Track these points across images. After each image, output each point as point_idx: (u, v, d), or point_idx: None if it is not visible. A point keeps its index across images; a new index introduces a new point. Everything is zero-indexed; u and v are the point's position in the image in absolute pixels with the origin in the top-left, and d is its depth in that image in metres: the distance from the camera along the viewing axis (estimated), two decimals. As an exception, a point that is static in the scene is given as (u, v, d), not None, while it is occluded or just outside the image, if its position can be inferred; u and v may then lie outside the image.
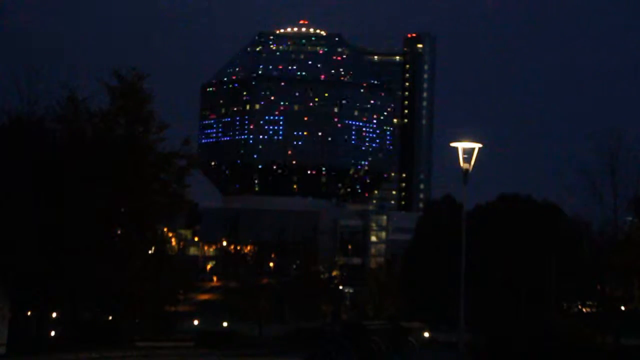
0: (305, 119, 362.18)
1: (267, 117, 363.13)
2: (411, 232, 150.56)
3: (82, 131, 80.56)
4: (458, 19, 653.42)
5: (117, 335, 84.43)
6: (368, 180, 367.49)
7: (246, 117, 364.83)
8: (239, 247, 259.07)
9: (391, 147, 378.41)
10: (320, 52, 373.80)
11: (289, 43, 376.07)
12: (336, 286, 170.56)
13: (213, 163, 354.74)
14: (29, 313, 79.87)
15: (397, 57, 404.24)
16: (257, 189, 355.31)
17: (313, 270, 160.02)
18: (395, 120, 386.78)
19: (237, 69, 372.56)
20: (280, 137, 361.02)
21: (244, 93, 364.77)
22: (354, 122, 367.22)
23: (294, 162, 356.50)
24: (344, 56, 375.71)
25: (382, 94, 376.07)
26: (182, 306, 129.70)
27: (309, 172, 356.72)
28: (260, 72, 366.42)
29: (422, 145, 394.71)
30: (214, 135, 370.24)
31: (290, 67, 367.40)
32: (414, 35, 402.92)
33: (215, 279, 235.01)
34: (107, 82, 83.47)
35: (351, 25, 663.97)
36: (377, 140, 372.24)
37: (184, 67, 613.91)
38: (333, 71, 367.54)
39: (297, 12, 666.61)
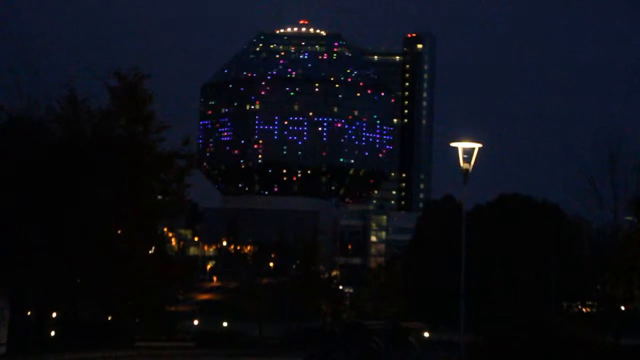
0: (305, 119, 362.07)
1: (267, 117, 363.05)
2: (411, 232, 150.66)
3: (82, 131, 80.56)
4: (458, 19, 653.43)
5: (117, 335, 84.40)
6: (371, 180, 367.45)
7: (246, 117, 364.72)
8: (239, 247, 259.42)
9: (391, 147, 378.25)
10: (320, 52, 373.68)
11: (289, 43, 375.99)
12: (336, 286, 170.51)
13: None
14: (29, 313, 79.84)
15: (397, 57, 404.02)
16: (257, 188, 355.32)
17: (313, 270, 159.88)
18: (395, 120, 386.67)
19: (237, 69, 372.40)
20: (280, 137, 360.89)
21: (244, 93, 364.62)
22: (353, 122, 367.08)
23: (294, 162, 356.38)
24: (344, 56, 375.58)
25: (382, 94, 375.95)
26: (182, 306, 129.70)
27: (309, 172, 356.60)
28: (260, 72, 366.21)
29: (422, 145, 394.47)
30: (214, 135, 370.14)
31: (290, 67, 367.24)
32: (414, 35, 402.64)
33: (215, 279, 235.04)
34: (107, 82, 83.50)
35: (351, 25, 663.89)
36: (377, 140, 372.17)
37: (184, 67, 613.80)
38: (333, 71, 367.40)
39: (297, 12, 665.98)
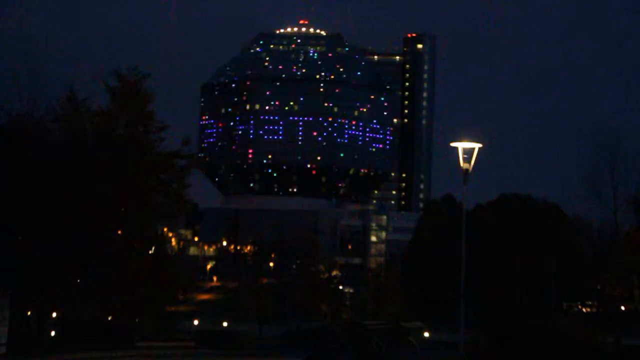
0: (305, 119, 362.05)
1: (266, 117, 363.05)
2: (411, 232, 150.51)
3: (82, 131, 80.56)
4: (458, 19, 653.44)
5: (117, 335, 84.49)
6: (369, 179, 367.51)
7: (246, 117, 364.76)
8: (239, 247, 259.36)
9: (391, 147, 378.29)
10: (320, 52, 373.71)
11: (289, 43, 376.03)
12: (336, 286, 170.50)
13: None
14: (29, 313, 79.86)
15: (397, 57, 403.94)
16: (257, 188, 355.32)
17: (313, 270, 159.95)
18: (395, 120, 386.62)
19: (237, 69, 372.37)
20: (280, 137, 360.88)
21: (244, 93, 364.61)
22: (353, 122, 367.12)
23: (293, 162, 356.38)
24: (344, 56, 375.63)
25: (382, 94, 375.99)
26: (182, 306, 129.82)
27: (309, 172, 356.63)
28: (260, 72, 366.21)
29: (422, 145, 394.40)
30: (214, 135, 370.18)
31: (290, 67, 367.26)
32: (414, 35, 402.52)
33: (215, 279, 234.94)
34: (107, 82, 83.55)
35: (351, 25, 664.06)
36: (377, 140, 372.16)
37: (184, 67, 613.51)
38: (333, 71, 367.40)
39: (297, 12, 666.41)
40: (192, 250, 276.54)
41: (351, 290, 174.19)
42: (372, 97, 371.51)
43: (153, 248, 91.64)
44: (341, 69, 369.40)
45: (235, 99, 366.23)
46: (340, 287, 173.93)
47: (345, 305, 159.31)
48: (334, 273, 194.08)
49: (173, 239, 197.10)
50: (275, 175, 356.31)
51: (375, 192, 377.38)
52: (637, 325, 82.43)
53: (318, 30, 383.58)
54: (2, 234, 69.84)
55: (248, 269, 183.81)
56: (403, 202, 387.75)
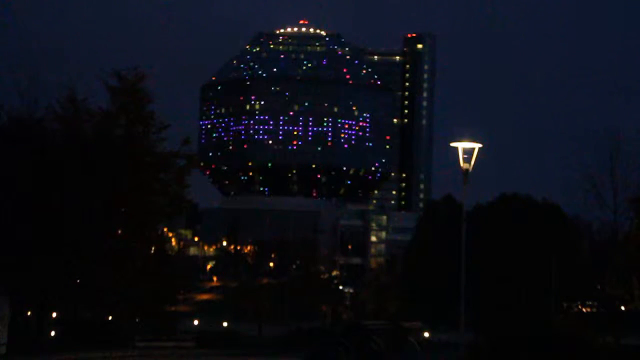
0: (305, 118, 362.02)
1: (266, 117, 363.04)
2: (411, 232, 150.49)
3: (82, 131, 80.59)
4: (458, 19, 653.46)
5: (117, 335, 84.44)
6: (369, 179, 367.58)
7: (246, 117, 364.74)
8: (239, 247, 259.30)
9: (391, 147, 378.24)
10: (320, 52, 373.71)
11: (289, 43, 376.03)
12: (336, 286, 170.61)
13: (213, 165, 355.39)
14: (29, 313, 79.89)
15: (397, 57, 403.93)
16: (257, 188, 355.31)
17: (313, 270, 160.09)
18: (395, 120, 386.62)
19: (237, 69, 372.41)
20: (280, 137, 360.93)
21: (244, 93, 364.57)
22: (353, 122, 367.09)
23: (293, 162, 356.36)
24: (344, 56, 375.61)
25: (382, 94, 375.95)
26: (182, 306, 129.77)
27: (309, 172, 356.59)
28: (260, 72, 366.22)
29: (422, 145, 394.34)
30: (214, 135, 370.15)
31: (290, 67, 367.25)
32: (414, 35, 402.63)
33: (215, 279, 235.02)
34: (107, 82, 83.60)
35: (351, 25, 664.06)
36: (377, 140, 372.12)
37: (184, 67, 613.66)
38: (333, 71, 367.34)
39: (297, 12, 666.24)
40: (192, 250, 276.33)
41: (351, 290, 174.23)
42: (372, 97, 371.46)
43: (153, 248, 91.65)
44: (341, 69, 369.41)
45: (235, 99, 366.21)
46: (340, 287, 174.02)
47: (345, 305, 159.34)
48: (334, 273, 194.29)
49: (173, 239, 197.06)
50: (275, 175, 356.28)
51: (375, 192, 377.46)
52: (637, 325, 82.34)
53: (318, 30, 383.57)
54: (2, 234, 69.85)
55: (248, 269, 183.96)
56: (403, 202, 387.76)
